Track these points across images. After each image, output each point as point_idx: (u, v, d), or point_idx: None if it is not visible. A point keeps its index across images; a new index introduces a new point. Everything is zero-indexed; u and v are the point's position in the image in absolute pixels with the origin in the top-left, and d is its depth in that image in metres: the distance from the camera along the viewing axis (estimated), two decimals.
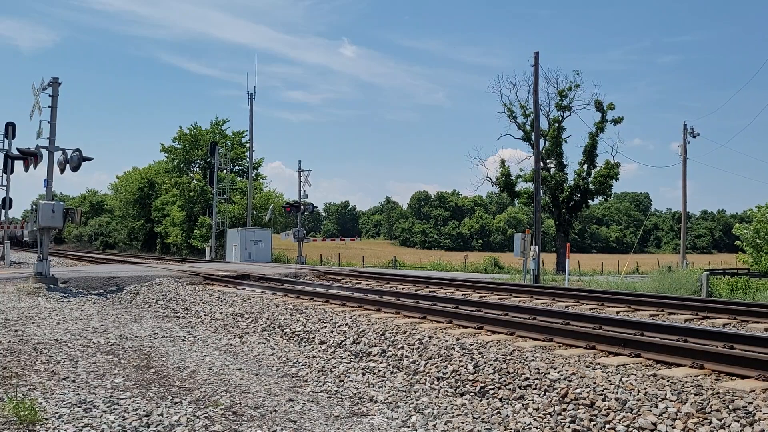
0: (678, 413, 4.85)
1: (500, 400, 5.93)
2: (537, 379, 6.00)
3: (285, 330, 10.02)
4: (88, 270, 23.21)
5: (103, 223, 74.04)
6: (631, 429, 4.85)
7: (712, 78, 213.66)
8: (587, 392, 5.48)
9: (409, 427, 5.42)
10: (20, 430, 4.87)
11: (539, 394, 5.75)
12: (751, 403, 4.84)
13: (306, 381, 7.13)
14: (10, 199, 32.12)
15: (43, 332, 9.96)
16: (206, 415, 5.48)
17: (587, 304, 12.53)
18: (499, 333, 8.47)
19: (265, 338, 9.87)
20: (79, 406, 5.56)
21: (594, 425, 5.04)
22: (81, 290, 16.93)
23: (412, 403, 6.09)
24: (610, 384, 5.54)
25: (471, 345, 7.38)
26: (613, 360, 6.61)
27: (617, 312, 11.49)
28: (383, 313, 10.58)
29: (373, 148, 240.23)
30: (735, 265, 28.58)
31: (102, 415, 5.32)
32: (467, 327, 9.00)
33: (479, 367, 6.62)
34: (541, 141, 34.48)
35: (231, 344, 9.46)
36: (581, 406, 5.34)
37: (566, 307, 12.33)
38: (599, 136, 36.89)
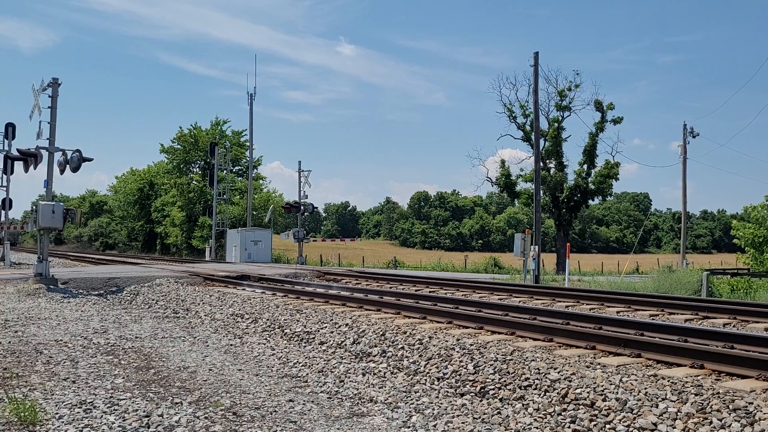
0: (678, 413, 4.85)
1: (500, 400, 5.93)
2: (537, 379, 6.00)
3: (285, 330, 10.02)
4: (88, 271, 23.20)
5: (103, 223, 74.08)
6: (631, 429, 4.85)
7: (712, 78, 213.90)
8: (587, 392, 5.48)
9: (409, 427, 5.41)
10: (21, 430, 4.87)
11: (539, 395, 5.75)
12: (752, 403, 4.84)
13: (306, 381, 7.13)
14: (10, 200, 32.18)
15: (43, 333, 9.96)
16: (206, 415, 5.48)
17: (587, 304, 12.53)
18: (500, 333, 8.47)
19: (266, 339, 9.86)
20: (80, 407, 5.56)
21: (594, 425, 5.04)
22: (81, 291, 16.93)
23: (413, 404, 6.09)
24: (611, 384, 5.54)
25: (471, 345, 7.38)
26: (614, 360, 6.61)
27: (617, 312, 11.49)
28: (383, 314, 10.58)
29: (373, 148, 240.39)
30: (735, 265, 28.60)
31: (102, 416, 5.32)
32: (467, 327, 9.00)
33: (479, 367, 6.62)
34: (541, 141, 34.50)
35: (231, 345, 9.46)
36: (581, 406, 5.34)
37: (566, 307, 12.33)
38: (599, 136, 36.97)
